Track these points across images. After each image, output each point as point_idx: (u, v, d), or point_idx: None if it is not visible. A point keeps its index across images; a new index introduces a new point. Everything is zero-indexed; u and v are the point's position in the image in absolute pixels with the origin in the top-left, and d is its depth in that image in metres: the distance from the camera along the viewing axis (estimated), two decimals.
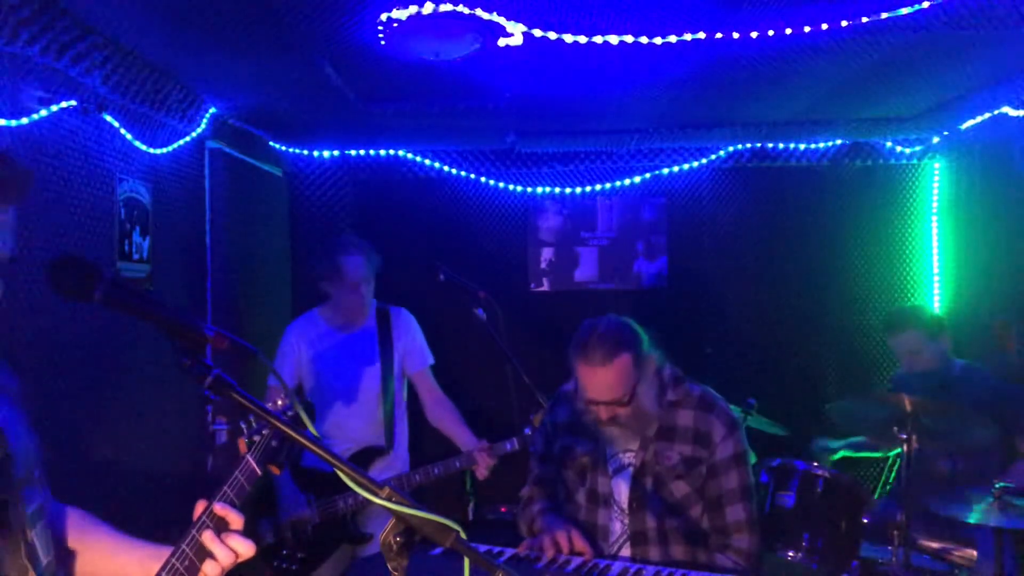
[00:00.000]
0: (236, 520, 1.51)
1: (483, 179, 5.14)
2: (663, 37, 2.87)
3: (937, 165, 4.94)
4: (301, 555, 3.52)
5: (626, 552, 2.55)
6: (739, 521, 2.51)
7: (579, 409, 2.57)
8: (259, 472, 1.55)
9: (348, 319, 3.70)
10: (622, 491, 2.57)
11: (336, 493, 3.51)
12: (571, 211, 5.16)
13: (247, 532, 1.54)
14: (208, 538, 1.49)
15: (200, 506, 1.53)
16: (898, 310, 4.32)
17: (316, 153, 5.08)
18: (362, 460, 3.60)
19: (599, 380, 2.43)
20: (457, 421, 3.73)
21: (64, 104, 2.73)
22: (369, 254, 3.60)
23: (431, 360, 3.83)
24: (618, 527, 2.57)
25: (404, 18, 2.64)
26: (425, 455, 3.84)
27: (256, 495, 3.53)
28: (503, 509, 4.63)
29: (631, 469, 2.56)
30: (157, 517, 3.20)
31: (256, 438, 1.56)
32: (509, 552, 2.46)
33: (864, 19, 2.72)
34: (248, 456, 1.55)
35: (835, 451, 4.08)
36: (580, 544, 2.44)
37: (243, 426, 1.57)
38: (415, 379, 3.81)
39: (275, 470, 1.57)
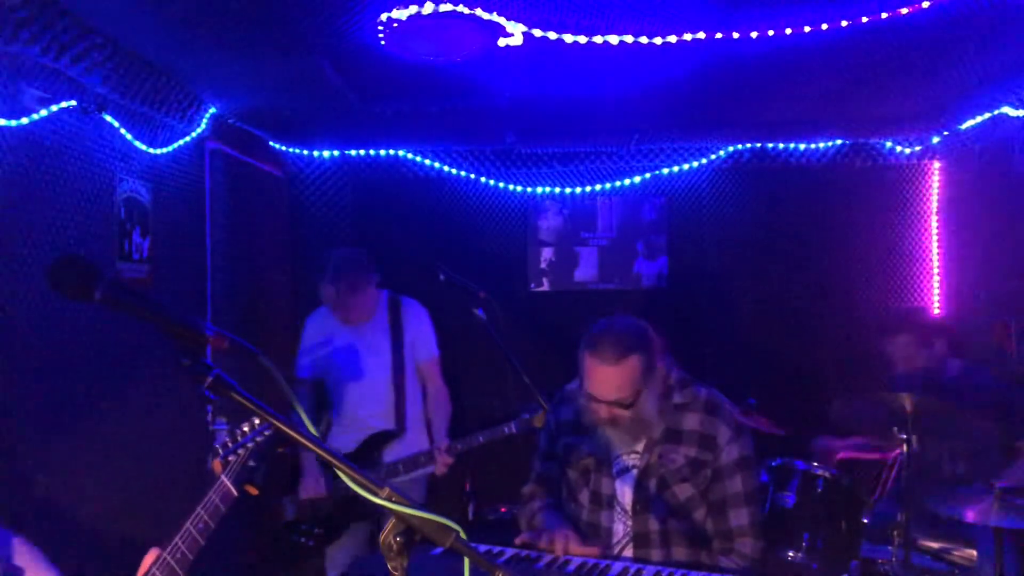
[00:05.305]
0: None
1: (483, 179, 5.14)
2: (663, 37, 2.87)
3: (937, 165, 4.94)
4: (319, 530, 3.68)
5: (628, 554, 2.54)
6: (742, 525, 2.49)
7: (582, 408, 2.56)
8: (235, 493, 1.50)
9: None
10: (626, 493, 2.55)
11: None
12: (571, 211, 5.16)
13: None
14: None
15: (151, 556, 1.45)
16: (893, 313, 4.27)
17: (316, 153, 5.08)
18: (376, 444, 3.73)
19: (606, 377, 2.40)
20: (439, 417, 3.83)
21: (64, 104, 2.73)
22: (346, 276, 3.59)
23: (436, 353, 3.90)
24: (621, 529, 2.56)
25: (404, 18, 2.64)
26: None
27: (280, 473, 3.69)
28: (503, 509, 4.64)
29: (635, 471, 2.54)
30: (157, 517, 3.20)
31: (231, 458, 1.53)
32: (509, 552, 2.45)
33: (864, 19, 2.72)
34: (223, 476, 1.52)
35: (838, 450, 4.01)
36: (577, 550, 2.43)
37: (218, 447, 1.53)
38: (421, 368, 3.89)
39: (252, 490, 1.53)
